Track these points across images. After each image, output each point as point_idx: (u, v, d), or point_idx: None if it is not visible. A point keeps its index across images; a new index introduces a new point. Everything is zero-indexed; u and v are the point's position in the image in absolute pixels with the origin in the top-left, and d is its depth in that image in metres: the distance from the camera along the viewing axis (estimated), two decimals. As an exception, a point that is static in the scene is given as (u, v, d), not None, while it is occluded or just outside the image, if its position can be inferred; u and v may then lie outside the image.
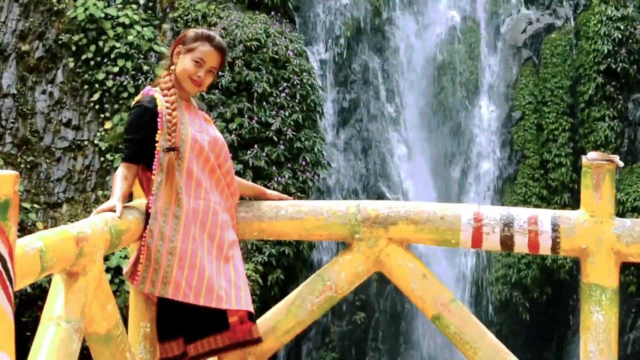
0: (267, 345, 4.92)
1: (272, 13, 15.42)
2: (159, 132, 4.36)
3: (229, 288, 4.39)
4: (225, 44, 4.67)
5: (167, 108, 4.41)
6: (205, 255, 4.40)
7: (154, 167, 4.42)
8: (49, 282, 3.84)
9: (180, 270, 4.34)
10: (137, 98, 4.56)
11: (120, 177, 4.40)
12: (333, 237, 5.03)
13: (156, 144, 4.38)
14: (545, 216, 4.71)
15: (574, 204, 15.32)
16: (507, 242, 4.58)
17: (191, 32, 4.56)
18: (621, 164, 4.49)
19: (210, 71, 4.52)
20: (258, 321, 4.88)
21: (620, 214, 15.44)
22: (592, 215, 4.51)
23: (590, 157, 4.50)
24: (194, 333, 4.46)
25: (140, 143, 4.41)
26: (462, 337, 4.71)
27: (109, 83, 14.20)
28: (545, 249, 4.63)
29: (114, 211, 4.18)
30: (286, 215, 4.89)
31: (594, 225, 4.49)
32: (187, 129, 4.46)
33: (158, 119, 4.37)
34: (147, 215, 4.44)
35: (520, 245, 4.69)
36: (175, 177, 4.38)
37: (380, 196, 15.73)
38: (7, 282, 2.72)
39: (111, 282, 12.01)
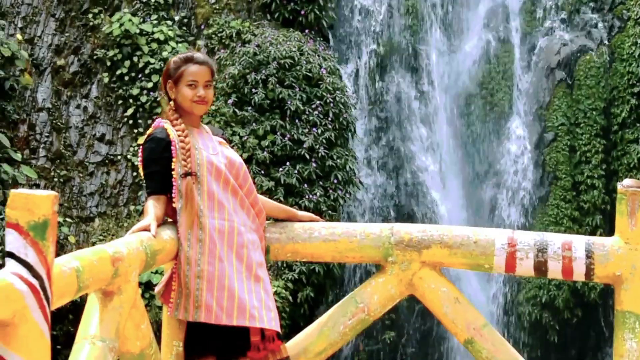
0: (299, 368, 5.04)
1: (306, 31, 15.58)
2: (173, 160, 4.41)
3: (261, 308, 4.38)
4: (205, 56, 4.76)
5: (178, 136, 4.45)
6: (234, 275, 4.41)
7: (173, 194, 4.46)
8: (82, 296, 3.82)
9: (210, 292, 4.36)
10: (148, 132, 4.61)
11: (152, 203, 4.45)
12: (366, 259, 4.99)
13: (173, 172, 4.43)
14: (579, 242, 4.66)
15: (606, 226, 15.16)
16: (540, 268, 4.56)
17: (171, 64, 4.64)
18: None
19: (207, 86, 4.57)
20: (290, 342, 4.88)
21: None
22: (627, 242, 4.46)
23: (626, 184, 4.47)
24: (224, 351, 4.45)
25: (161, 174, 4.46)
26: None
27: (143, 98, 14.45)
28: (579, 275, 4.58)
29: (149, 230, 4.21)
30: (319, 237, 4.91)
31: (629, 253, 4.45)
32: (202, 152, 4.50)
33: (172, 148, 4.43)
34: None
35: (554, 271, 4.66)
36: (195, 201, 4.42)
37: (411, 215, 15.81)
38: (45, 302, 2.77)
39: (142, 296, 12.10)
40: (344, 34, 16.96)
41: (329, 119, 14.67)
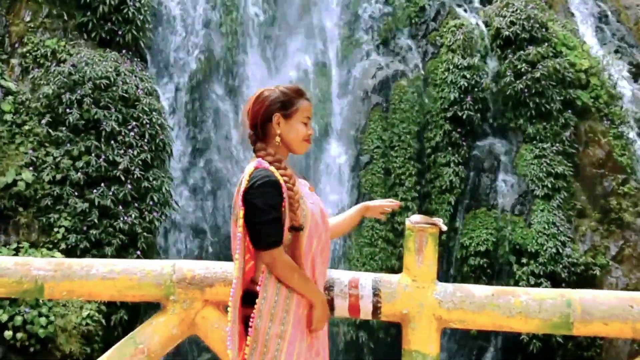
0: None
1: (124, 51, 15.97)
2: (283, 209, 4.30)
3: None
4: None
5: (285, 182, 4.32)
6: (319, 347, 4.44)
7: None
8: None
9: (290, 356, 4.28)
10: (250, 171, 4.36)
11: (303, 274, 4.37)
12: (147, 298, 5.00)
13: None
14: (366, 280, 4.91)
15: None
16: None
17: (282, 96, 4.48)
18: (444, 227, 4.75)
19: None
20: None
21: (464, 258, 16.92)
22: (414, 280, 4.76)
23: (414, 220, 4.76)
24: None
25: (280, 221, 4.31)
26: None
27: None
28: (366, 313, 4.83)
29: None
30: (97, 274, 4.93)
31: (416, 291, 4.75)
32: (307, 203, 4.40)
33: (284, 195, 4.30)
34: (249, 292, 4.37)
35: (341, 308, 4.89)
36: (296, 258, 4.33)
37: (227, 237, 15.80)
38: None
39: None
40: (162, 54, 17.43)
41: (145, 140, 15.00)
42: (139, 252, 14.30)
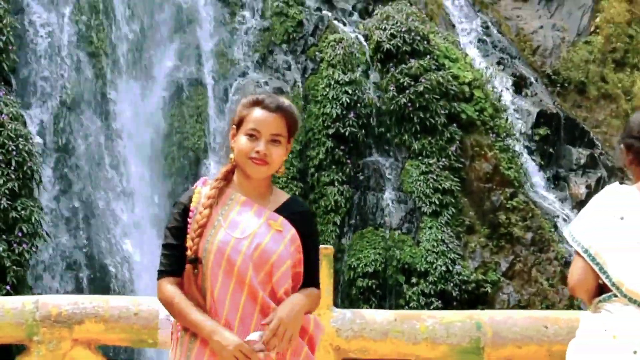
0: None
1: None
2: (188, 236, 3.90)
3: None
4: (285, 103, 4.00)
5: (203, 204, 3.93)
6: None
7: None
8: None
9: None
10: None
11: (180, 302, 3.91)
12: (7, 339, 4.84)
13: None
14: None
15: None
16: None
17: (241, 106, 4.01)
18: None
19: (274, 141, 3.88)
20: None
21: (352, 280, 17.26)
22: None
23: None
24: None
25: (175, 249, 3.94)
26: None
27: None
28: None
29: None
30: None
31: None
32: (218, 232, 3.88)
33: (188, 219, 3.93)
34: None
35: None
36: (192, 298, 3.89)
37: (104, 267, 16.31)
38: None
39: None
40: (28, 78, 17.36)
41: (12, 167, 14.96)
42: (8, 287, 14.27)
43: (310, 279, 4.06)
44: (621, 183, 4.76)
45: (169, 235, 3.96)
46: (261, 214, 3.96)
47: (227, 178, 4.05)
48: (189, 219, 3.92)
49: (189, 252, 3.85)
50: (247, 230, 3.90)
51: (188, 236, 3.88)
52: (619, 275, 4.41)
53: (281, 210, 4.02)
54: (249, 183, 3.99)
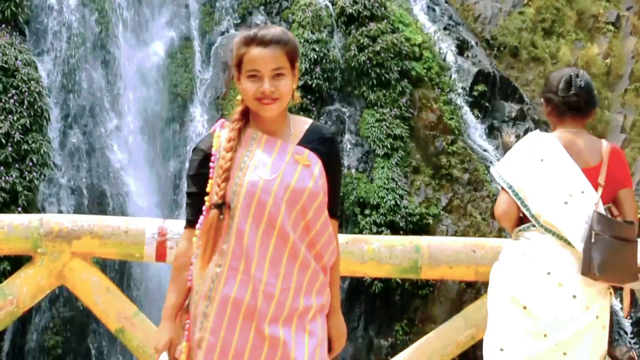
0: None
1: (3, 26, 15.78)
2: (210, 181, 3.39)
3: None
4: (279, 33, 3.41)
5: (223, 149, 3.39)
6: (246, 353, 3.30)
7: (198, 227, 3.42)
8: None
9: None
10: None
11: (175, 270, 3.46)
12: (15, 251, 4.74)
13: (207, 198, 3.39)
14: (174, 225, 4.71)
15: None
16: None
17: (234, 43, 3.46)
18: None
19: (277, 75, 3.34)
20: None
21: None
22: None
23: None
24: None
25: (200, 198, 3.42)
26: (145, 351, 4.54)
27: None
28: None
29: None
30: None
31: None
32: (246, 174, 3.35)
33: (211, 164, 3.41)
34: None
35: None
36: (214, 245, 3.33)
37: (103, 193, 16.29)
38: None
39: None
40: (40, 28, 17.18)
41: (25, 106, 14.91)
42: (20, 209, 14.25)
43: (332, 210, 3.53)
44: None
45: (190, 184, 3.47)
46: (286, 150, 3.41)
47: (245, 117, 3.48)
48: (211, 165, 3.40)
49: (215, 197, 3.31)
50: (275, 170, 3.35)
51: (212, 182, 3.36)
52: (538, 208, 4.44)
53: (306, 142, 3.47)
54: (264, 120, 3.43)
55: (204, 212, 3.36)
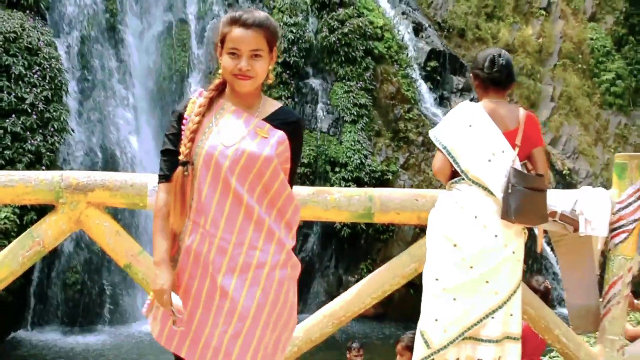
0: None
1: (27, 11, 15.61)
2: (181, 142, 3.24)
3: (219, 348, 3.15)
4: (261, 18, 3.22)
5: (195, 113, 3.25)
6: (202, 299, 3.18)
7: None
8: None
9: (166, 316, 3.25)
10: None
11: (159, 219, 3.25)
12: (41, 201, 4.77)
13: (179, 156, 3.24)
14: None
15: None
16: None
17: (221, 22, 3.27)
18: None
19: (255, 55, 3.18)
20: None
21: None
22: None
23: None
24: None
25: (173, 155, 3.27)
26: (149, 282, 4.44)
27: None
28: None
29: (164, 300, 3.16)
30: (0, 182, 4.67)
31: None
32: (208, 138, 3.21)
33: (182, 126, 3.27)
34: None
35: None
36: (182, 199, 3.20)
37: (113, 154, 16.33)
38: None
39: None
40: (59, 12, 17.03)
41: (46, 81, 14.72)
42: (43, 167, 14.17)
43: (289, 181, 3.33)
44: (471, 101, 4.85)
45: (166, 142, 3.29)
46: (249, 122, 3.23)
47: (219, 90, 3.32)
48: (182, 126, 3.25)
49: (181, 157, 3.18)
50: (235, 138, 3.18)
51: (181, 142, 3.20)
52: (466, 165, 4.54)
53: (270, 120, 3.28)
54: (238, 95, 3.26)
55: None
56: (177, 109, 3.30)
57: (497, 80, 4.64)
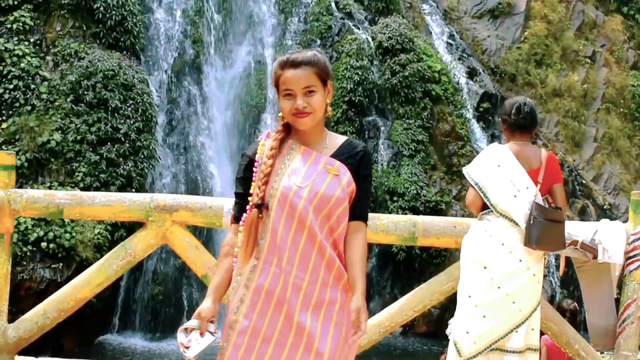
0: (82, 294, 4.95)
1: (124, 52, 15.94)
2: (253, 184, 3.09)
3: None
4: (308, 56, 3.08)
5: (266, 155, 3.08)
6: (274, 337, 2.97)
7: (241, 223, 3.10)
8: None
9: (236, 350, 3.01)
10: None
11: (220, 257, 3.13)
12: (134, 218, 4.95)
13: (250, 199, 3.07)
14: None
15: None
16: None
17: (274, 67, 3.18)
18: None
19: (309, 92, 3.04)
20: (76, 278, 4.91)
21: None
22: None
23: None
24: None
25: (242, 198, 3.14)
26: None
27: (6, 96, 14.34)
28: None
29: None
30: (100, 202, 4.90)
31: None
32: (282, 179, 3.05)
33: (254, 169, 3.11)
34: None
35: None
36: (254, 240, 3.04)
37: (194, 180, 16.40)
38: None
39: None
40: (152, 54, 17.39)
41: (139, 113, 14.87)
42: (133, 190, 14.37)
43: (361, 212, 3.17)
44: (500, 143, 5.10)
45: (237, 185, 3.16)
46: (319, 161, 3.07)
47: (286, 130, 3.16)
48: (254, 169, 3.09)
49: (255, 198, 3.01)
50: (307, 178, 3.02)
51: (254, 184, 3.04)
52: (495, 199, 4.78)
53: (338, 155, 3.12)
54: (303, 133, 3.10)
55: (247, 211, 3.05)
56: (247, 153, 3.17)
57: (522, 125, 4.85)
